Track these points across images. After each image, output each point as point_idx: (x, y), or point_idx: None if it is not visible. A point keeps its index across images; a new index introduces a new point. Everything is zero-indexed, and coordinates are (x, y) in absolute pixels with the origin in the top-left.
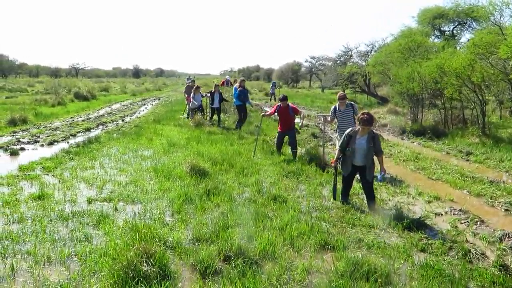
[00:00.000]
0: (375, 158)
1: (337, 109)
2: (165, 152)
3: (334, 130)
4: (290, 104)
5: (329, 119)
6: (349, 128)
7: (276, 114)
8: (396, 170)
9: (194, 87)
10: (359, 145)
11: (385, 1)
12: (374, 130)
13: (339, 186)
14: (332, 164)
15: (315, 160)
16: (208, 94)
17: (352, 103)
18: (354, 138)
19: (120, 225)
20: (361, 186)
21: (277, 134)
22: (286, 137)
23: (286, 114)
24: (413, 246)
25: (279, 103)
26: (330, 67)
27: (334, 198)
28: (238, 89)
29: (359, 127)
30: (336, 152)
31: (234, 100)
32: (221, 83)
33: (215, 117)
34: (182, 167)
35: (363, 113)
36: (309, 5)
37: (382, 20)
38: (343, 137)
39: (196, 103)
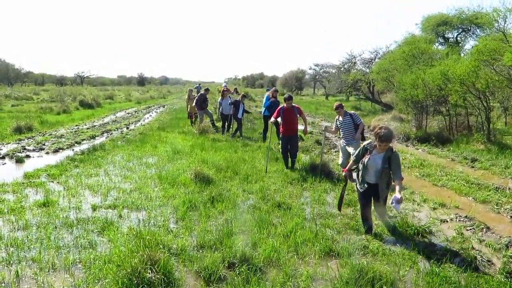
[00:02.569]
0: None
1: (337, 119)
2: (170, 159)
3: (339, 137)
4: (294, 104)
5: (332, 129)
6: (351, 137)
7: (279, 118)
8: None
9: (222, 91)
10: (372, 163)
11: (385, 2)
12: (393, 149)
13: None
14: (343, 173)
15: (319, 167)
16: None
17: (351, 112)
18: (370, 153)
19: (124, 232)
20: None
21: (281, 140)
22: None
23: (291, 116)
24: (418, 253)
25: (282, 105)
26: (334, 74)
27: (339, 209)
28: (271, 100)
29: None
30: (350, 162)
31: (263, 110)
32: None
33: (228, 126)
34: (186, 174)
35: (380, 128)
36: (312, 12)
37: (382, 21)
38: (359, 149)
39: (224, 110)
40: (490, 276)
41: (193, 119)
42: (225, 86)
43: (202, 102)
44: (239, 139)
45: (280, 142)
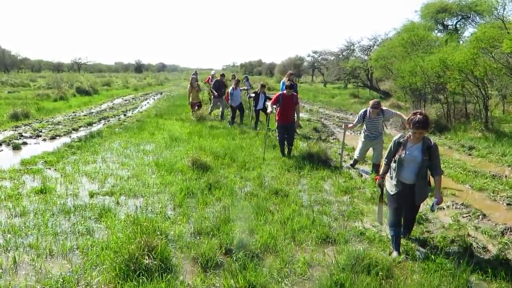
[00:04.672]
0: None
1: (367, 115)
2: (167, 146)
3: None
4: (294, 93)
5: (350, 125)
6: (377, 133)
7: (276, 105)
8: None
9: (235, 81)
10: (410, 156)
11: (386, 2)
12: (430, 138)
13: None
14: (377, 181)
15: (317, 154)
16: (252, 95)
17: (384, 109)
18: (405, 146)
19: (122, 218)
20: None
21: (277, 128)
22: None
23: (290, 104)
24: (414, 240)
25: (280, 92)
26: (333, 61)
27: (381, 223)
28: (287, 83)
29: (410, 132)
30: (382, 167)
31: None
32: (206, 80)
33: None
34: (184, 161)
35: (414, 113)
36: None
37: (382, 19)
38: (390, 146)
39: (234, 101)
40: (485, 262)
41: (195, 108)
42: (214, 74)
43: (217, 89)
44: (237, 127)
45: (277, 131)
